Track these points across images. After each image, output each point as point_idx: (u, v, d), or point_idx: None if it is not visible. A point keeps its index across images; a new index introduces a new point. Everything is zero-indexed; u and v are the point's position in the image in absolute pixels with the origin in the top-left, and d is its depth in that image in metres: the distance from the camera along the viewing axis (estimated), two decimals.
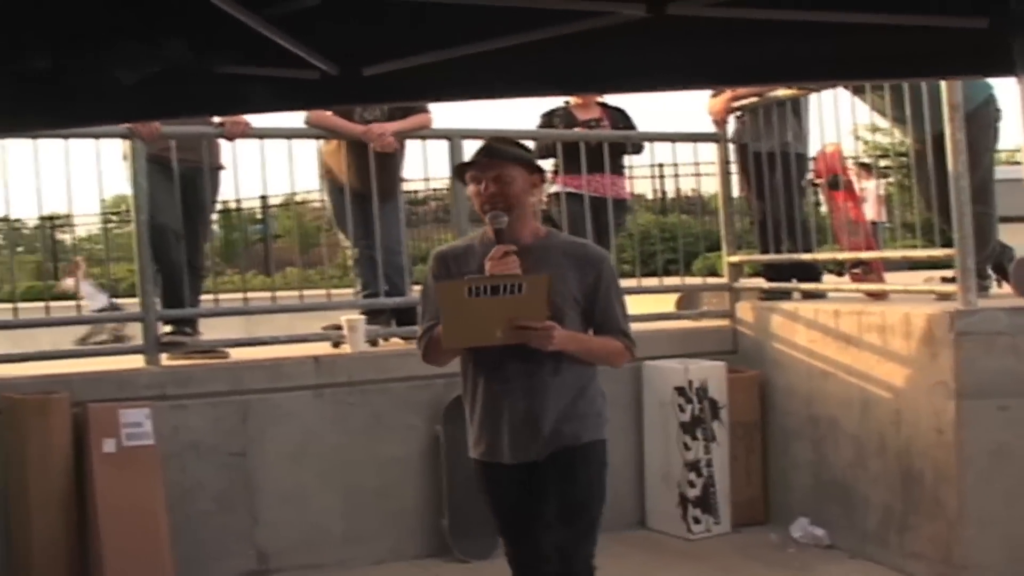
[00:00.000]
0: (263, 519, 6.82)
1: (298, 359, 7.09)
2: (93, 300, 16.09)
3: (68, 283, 16.99)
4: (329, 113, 7.45)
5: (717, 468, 7.50)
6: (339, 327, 7.45)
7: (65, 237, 24.81)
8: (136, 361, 6.93)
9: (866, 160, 15.25)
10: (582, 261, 4.50)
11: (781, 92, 7.71)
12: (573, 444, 4.41)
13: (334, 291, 8.02)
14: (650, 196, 18.19)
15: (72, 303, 7.65)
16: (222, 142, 7.37)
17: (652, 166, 15.11)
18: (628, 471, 7.54)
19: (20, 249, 24.79)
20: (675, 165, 9.43)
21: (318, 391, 6.99)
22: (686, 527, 7.43)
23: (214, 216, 8.26)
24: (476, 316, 4.23)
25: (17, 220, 23.39)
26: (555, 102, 8.67)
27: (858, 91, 7.36)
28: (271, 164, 7.48)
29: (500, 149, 4.50)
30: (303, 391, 6.95)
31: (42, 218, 11.06)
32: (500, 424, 4.43)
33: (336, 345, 7.38)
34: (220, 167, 7.46)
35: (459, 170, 4.68)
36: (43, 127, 5.94)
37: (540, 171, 4.63)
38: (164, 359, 6.97)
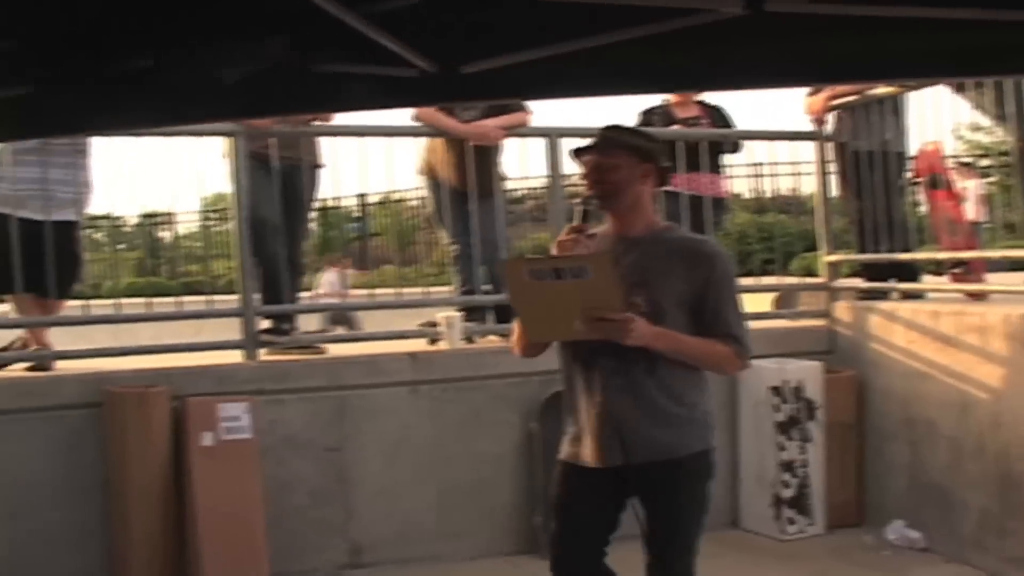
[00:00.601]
0: (357, 513, 6.88)
1: (395, 355, 7.12)
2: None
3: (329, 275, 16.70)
4: (437, 111, 7.51)
5: (812, 469, 7.44)
6: (435, 324, 7.50)
7: (165, 234, 25.13)
8: (235, 356, 7.02)
9: (966, 159, 15.06)
10: (693, 258, 4.22)
11: (881, 90, 7.64)
12: (670, 456, 4.18)
13: (431, 288, 8.05)
14: (747, 195, 18.07)
15: (171, 299, 7.73)
16: (322, 140, 7.44)
17: (750, 165, 14.97)
18: (722, 471, 7.31)
19: (121, 246, 25.12)
20: (773, 164, 9.34)
21: (414, 387, 7.02)
22: (780, 528, 7.39)
23: (312, 214, 8.33)
24: (549, 305, 3.97)
25: (119, 218, 23.74)
26: (654, 100, 8.65)
27: (959, 89, 7.27)
28: (370, 162, 7.54)
29: (608, 135, 4.29)
30: (399, 387, 6.99)
31: (143, 216, 11.26)
32: (589, 424, 4.23)
33: (432, 342, 7.41)
34: (319, 165, 7.53)
35: (575, 155, 4.42)
36: (145, 125, 6.04)
37: (653, 159, 4.29)
38: (262, 354, 7.05)
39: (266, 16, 3.56)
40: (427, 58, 3.76)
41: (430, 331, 7.49)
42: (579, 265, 3.91)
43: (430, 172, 7.89)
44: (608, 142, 4.26)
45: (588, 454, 4.24)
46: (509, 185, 17.70)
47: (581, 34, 3.68)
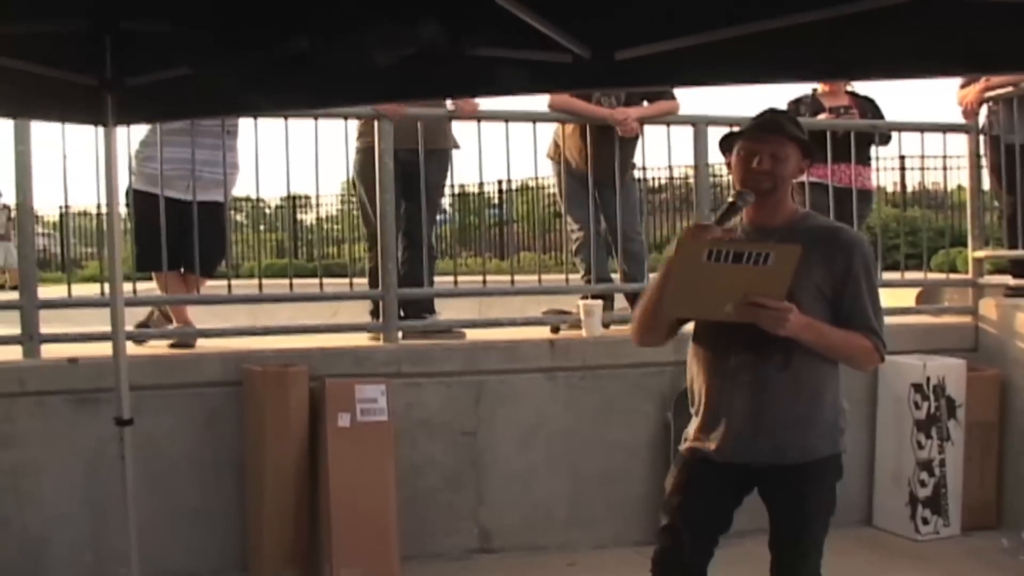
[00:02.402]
0: (489, 498, 6.90)
1: (533, 342, 7.12)
2: None
3: None
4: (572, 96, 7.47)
5: (950, 469, 7.30)
6: (561, 312, 7.52)
7: (305, 217, 25.42)
8: (373, 338, 7.10)
9: None
10: (831, 247, 4.06)
11: None
12: (802, 460, 4.12)
13: (571, 276, 8.02)
14: (890, 189, 17.75)
15: (310, 280, 7.80)
16: (460, 124, 7.45)
17: (899, 157, 14.69)
18: (858, 467, 7.38)
19: (262, 228, 25.51)
20: (922, 157, 9.10)
21: (551, 374, 7.01)
22: (914, 527, 7.26)
23: (445, 199, 8.36)
24: (709, 284, 3.86)
25: (260, 200, 24.12)
26: (803, 89, 8.56)
27: None
28: (512, 147, 7.54)
29: (783, 123, 4.13)
30: (536, 373, 6.99)
31: (284, 198, 11.41)
32: (717, 420, 4.16)
33: (555, 330, 7.41)
34: (445, 149, 7.53)
35: (729, 139, 4.19)
36: (299, 107, 6.11)
37: (812, 155, 4.22)
38: (400, 337, 7.09)
39: (422, 2, 3.57)
40: (581, 43, 3.75)
41: (554, 319, 7.51)
42: (764, 252, 3.79)
43: (559, 157, 7.88)
44: (785, 130, 4.10)
45: (712, 447, 4.19)
46: (653, 174, 17.60)
47: (734, 21, 3.64)
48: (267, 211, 24.39)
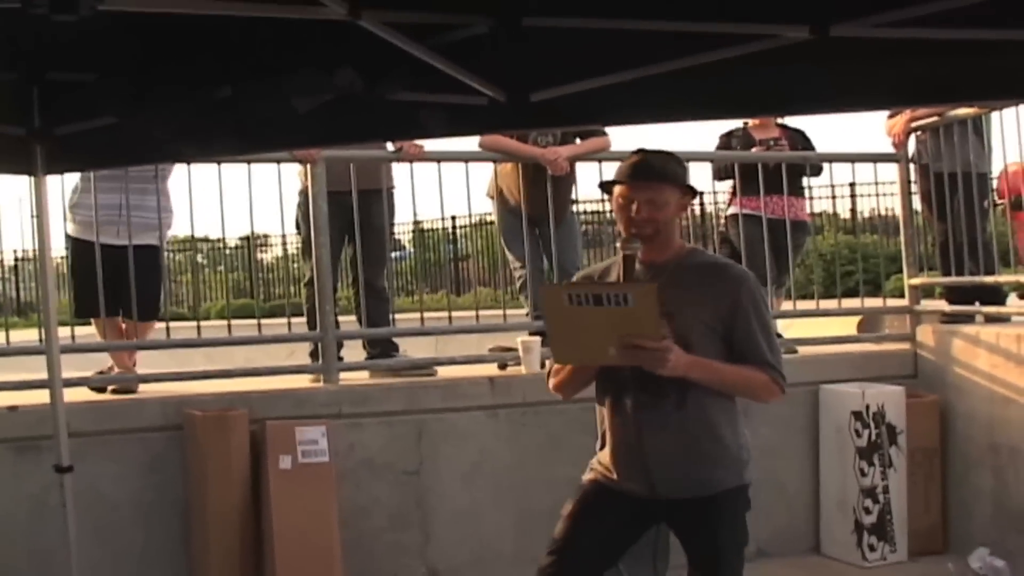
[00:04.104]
0: (435, 537, 6.89)
1: (473, 379, 7.14)
2: None
3: None
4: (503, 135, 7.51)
5: (894, 495, 7.34)
6: (507, 349, 7.52)
7: (265, 256, 25.39)
8: (315, 380, 7.11)
9: None
10: (717, 284, 4.12)
11: (961, 111, 7.55)
12: (708, 493, 4.13)
13: (509, 311, 8.04)
14: (844, 215, 17.83)
15: (267, 321, 7.80)
16: (393, 166, 7.52)
17: (840, 186, 14.81)
18: (803, 496, 7.44)
19: (220, 268, 25.45)
20: (852, 184, 9.21)
21: (492, 411, 7.03)
22: (861, 554, 7.28)
23: (392, 238, 8.39)
24: (584, 330, 3.87)
25: (218, 240, 24.11)
26: (734, 122, 8.61)
27: None
28: (456, 185, 7.62)
29: (657, 168, 4.11)
30: (478, 411, 7.00)
31: (242, 238, 11.49)
32: (618, 457, 4.19)
33: (503, 367, 7.42)
34: (379, 189, 7.54)
35: (607, 185, 4.28)
36: (224, 153, 6.13)
37: (693, 192, 4.27)
38: (342, 378, 7.10)
39: (337, 49, 3.62)
40: (496, 87, 3.80)
41: (500, 356, 7.51)
42: (622, 293, 3.82)
43: (499, 196, 7.93)
44: (660, 175, 4.11)
45: (614, 479, 4.23)
46: (594, 207, 17.66)
47: (648, 61, 3.70)
48: (227, 251, 24.38)
